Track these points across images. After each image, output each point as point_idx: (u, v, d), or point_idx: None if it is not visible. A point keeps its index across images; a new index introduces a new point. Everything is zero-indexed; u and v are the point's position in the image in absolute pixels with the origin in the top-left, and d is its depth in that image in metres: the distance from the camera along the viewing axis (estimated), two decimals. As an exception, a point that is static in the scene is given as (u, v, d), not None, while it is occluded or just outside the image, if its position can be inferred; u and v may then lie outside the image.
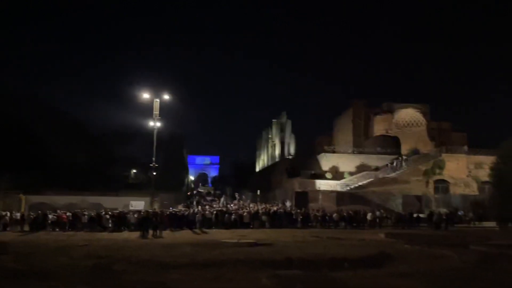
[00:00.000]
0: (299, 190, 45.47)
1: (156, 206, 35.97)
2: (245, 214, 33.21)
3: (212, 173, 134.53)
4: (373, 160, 53.85)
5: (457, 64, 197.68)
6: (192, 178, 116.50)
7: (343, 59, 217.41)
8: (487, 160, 42.23)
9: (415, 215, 35.64)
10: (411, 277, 12.04)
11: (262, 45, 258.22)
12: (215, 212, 33.82)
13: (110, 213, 31.13)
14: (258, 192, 61.07)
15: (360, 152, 58.49)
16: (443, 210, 38.61)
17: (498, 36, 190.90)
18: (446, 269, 13.53)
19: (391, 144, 59.99)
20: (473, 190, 47.59)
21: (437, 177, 48.81)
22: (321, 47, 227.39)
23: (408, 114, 72.14)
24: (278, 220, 33.17)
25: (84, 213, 31.01)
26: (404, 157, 50.10)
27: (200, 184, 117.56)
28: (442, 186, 48.66)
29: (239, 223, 31.92)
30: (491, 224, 32.64)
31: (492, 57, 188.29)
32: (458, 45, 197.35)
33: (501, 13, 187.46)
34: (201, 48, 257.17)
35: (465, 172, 49.47)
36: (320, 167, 54.12)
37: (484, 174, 43.59)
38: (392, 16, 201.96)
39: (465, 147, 54.06)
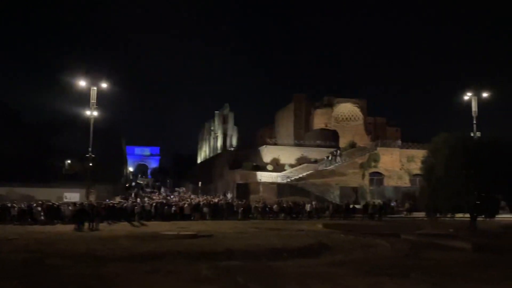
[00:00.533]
0: (240, 182, 45.70)
1: (92, 198, 34.68)
2: (185, 206, 32.91)
3: (152, 164, 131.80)
4: (313, 153, 55.13)
5: (394, 62, 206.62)
6: (131, 169, 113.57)
7: (285, 53, 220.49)
8: (419, 153, 44.54)
9: (351, 206, 37.04)
10: (346, 266, 12.48)
11: (206, 37, 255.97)
12: (154, 204, 33.21)
13: (42, 204, 29.59)
14: (200, 184, 60.71)
15: (300, 145, 59.71)
16: (377, 201, 40.37)
17: (434, 36, 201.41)
18: (379, 257, 14.17)
19: (330, 138, 61.69)
20: (405, 182, 50.09)
21: (373, 169, 50.84)
22: (265, 40, 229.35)
23: (347, 109, 74.59)
24: (219, 211, 33.21)
25: (14, 205, 29.27)
26: (338, 151, 51.57)
27: (140, 175, 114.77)
28: (377, 178, 50.82)
29: (179, 215, 31.57)
30: (421, 214, 34.53)
31: (427, 56, 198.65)
32: (395, 42, 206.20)
33: (438, 14, 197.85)
34: (144, 36, 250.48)
35: (398, 165, 51.92)
36: (261, 159, 54.64)
37: (415, 167, 45.89)
38: (332, 13, 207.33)
39: (399, 141, 56.81)
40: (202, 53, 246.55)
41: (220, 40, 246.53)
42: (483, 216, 26.20)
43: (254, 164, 51.78)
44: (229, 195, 43.80)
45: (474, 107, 38.51)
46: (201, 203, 34.74)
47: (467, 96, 39.38)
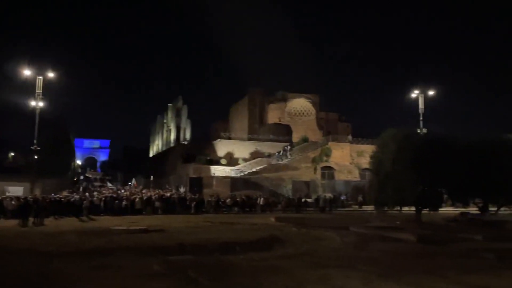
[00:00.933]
0: (194, 175, 45.36)
1: (37, 192, 33.25)
2: (137, 200, 32.23)
3: (102, 157, 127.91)
4: (267, 147, 55.58)
5: (346, 58, 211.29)
6: (79, 162, 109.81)
7: (240, 46, 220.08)
8: (368, 148, 45.86)
9: (303, 200, 37.65)
10: (297, 258, 12.68)
11: (159, 28, 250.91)
12: (103, 198, 32.31)
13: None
14: (152, 177, 59.68)
15: (254, 139, 60.02)
16: (328, 195, 41.29)
17: (386, 33, 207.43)
18: (329, 250, 14.50)
19: (283, 132, 62.39)
20: (355, 176, 51.49)
21: (324, 164, 51.89)
22: (221, 32, 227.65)
23: (300, 104, 75.61)
24: (171, 206, 32.77)
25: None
26: (288, 147, 52.17)
27: (88, 169, 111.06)
28: (328, 172, 51.93)
29: (130, 209, 30.91)
30: (370, 208, 35.65)
31: (378, 53, 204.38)
32: (347, 39, 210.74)
33: (390, 9, 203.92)
34: (94, 25, 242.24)
35: (349, 159, 53.29)
36: (215, 153, 54.46)
37: (365, 161, 47.17)
38: (286, 7, 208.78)
39: (350, 137, 58.30)
40: (156, 44, 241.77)
41: (176, 32, 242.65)
42: (427, 209, 27.40)
43: (208, 158, 51.55)
44: (182, 189, 43.32)
45: (421, 104, 40.12)
46: (153, 197, 34.14)
47: (414, 93, 40.96)
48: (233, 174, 46.30)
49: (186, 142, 74.26)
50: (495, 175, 26.24)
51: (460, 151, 26.49)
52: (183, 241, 15.82)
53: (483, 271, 10.29)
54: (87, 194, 36.18)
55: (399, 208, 28.26)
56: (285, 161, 50.09)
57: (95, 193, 37.73)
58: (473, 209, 32.57)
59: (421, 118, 39.72)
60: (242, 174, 46.75)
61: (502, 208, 32.27)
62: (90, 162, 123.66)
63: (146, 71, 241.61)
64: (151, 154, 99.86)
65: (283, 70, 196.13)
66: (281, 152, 50.92)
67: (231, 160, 52.26)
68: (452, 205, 33.50)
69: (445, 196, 30.19)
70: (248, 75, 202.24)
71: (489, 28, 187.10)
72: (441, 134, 27.93)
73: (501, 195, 29.81)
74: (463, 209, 32.81)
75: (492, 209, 31.78)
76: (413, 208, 27.54)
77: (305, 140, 58.75)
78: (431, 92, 41.09)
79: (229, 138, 59.51)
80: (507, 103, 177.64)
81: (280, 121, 70.66)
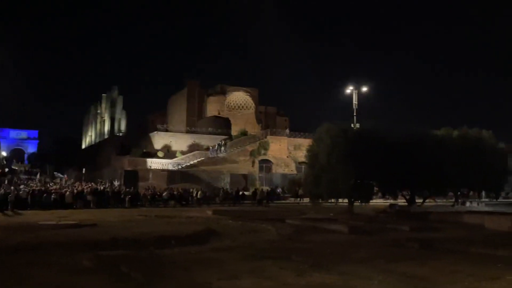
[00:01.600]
0: (129, 168, 44.12)
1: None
2: (67, 193, 30.79)
3: (30, 149, 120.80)
4: (205, 140, 55.24)
5: (285, 52, 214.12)
6: (4, 154, 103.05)
7: (179, 36, 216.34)
8: (305, 142, 47.00)
9: (241, 193, 37.84)
10: (232, 250, 12.69)
11: (91, 14, 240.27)
12: (31, 191, 30.57)
13: None
14: (84, 170, 57.26)
15: (193, 132, 59.42)
16: (265, 188, 41.82)
17: (326, 28, 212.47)
18: (264, 242, 14.65)
19: (222, 125, 62.30)
20: (291, 169, 52.55)
21: (262, 157, 52.50)
22: (158, 22, 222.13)
23: (239, 97, 75.84)
24: (104, 199, 31.67)
25: None
26: (223, 142, 52.03)
27: (15, 161, 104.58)
28: (266, 165, 52.58)
29: (60, 203, 29.47)
30: (305, 200, 36.54)
31: (316, 50, 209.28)
32: (284, 33, 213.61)
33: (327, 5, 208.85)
34: (20, 7, 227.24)
35: (286, 153, 54.29)
36: (152, 146, 53.29)
37: (301, 155, 48.24)
38: (225, 2, 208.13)
39: (287, 131, 59.35)
40: (91, 31, 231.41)
41: (111, 20, 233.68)
42: (359, 201, 28.54)
43: (144, 150, 50.37)
44: (116, 183, 41.98)
45: (355, 99, 41.60)
46: (85, 190, 32.80)
47: (349, 89, 42.39)
48: (170, 167, 45.59)
49: (121, 134, 72.13)
50: (421, 169, 27.82)
51: (390, 145, 27.80)
52: (116, 236, 15.28)
53: (409, 260, 10.82)
54: (12, 187, 34.05)
55: (334, 200, 29.25)
56: (223, 154, 50.05)
57: (21, 186, 35.59)
58: (401, 201, 34.39)
59: (354, 114, 41.20)
60: (179, 167, 46.15)
61: (427, 200, 34.39)
62: (17, 154, 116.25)
63: (79, 59, 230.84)
64: (83, 146, 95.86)
65: (223, 63, 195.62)
66: (216, 146, 50.71)
67: (169, 153, 51.41)
68: (382, 197, 35.13)
69: (376, 188, 31.63)
70: (187, 67, 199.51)
71: (425, 26, 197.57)
72: (373, 129, 29.07)
73: (427, 187, 31.72)
74: (392, 201, 34.57)
75: (418, 200, 33.75)
76: (346, 200, 28.58)
77: (243, 133, 59.07)
78: (364, 88, 42.72)
79: (167, 131, 58.48)
80: (435, 100, 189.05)
81: (219, 114, 70.46)
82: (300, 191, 41.31)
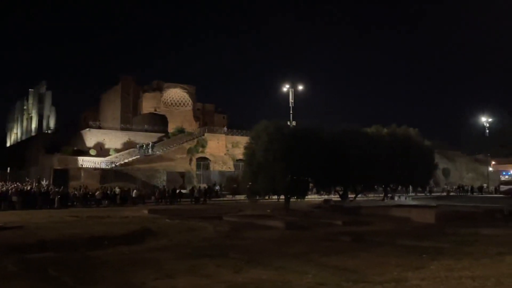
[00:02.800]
0: (58, 167, 42.02)
1: None
2: (-11, 194, 28.76)
3: None
4: (141, 137, 53.89)
5: (223, 50, 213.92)
6: None
7: (113, 31, 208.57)
8: (243, 140, 47.21)
9: (178, 191, 37.31)
10: (169, 250, 12.49)
11: (22, 6, 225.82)
12: None
13: None
14: (8, 169, 53.71)
15: (127, 129, 57.75)
16: (203, 186, 41.55)
17: (264, 28, 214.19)
18: (202, 240, 14.55)
19: (159, 122, 61.06)
20: (229, 167, 52.61)
21: (200, 155, 52.11)
22: (90, 14, 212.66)
23: (176, 94, 74.66)
24: (32, 200, 29.91)
25: None
26: (151, 143, 50.54)
27: None
28: (203, 163, 52.25)
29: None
30: (243, 197, 36.76)
31: (256, 46, 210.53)
32: (226, 31, 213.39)
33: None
34: None
35: (224, 150, 54.26)
36: (84, 144, 51.13)
37: (239, 152, 48.46)
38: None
39: (225, 128, 59.30)
40: (17, 23, 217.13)
41: (40, 12, 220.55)
42: (295, 197, 29.15)
43: (76, 148, 48.21)
44: (44, 182, 39.79)
45: (291, 98, 42.39)
46: (10, 191, 30.79)
47: (286, 88, 43.13)
48: (103, 166, 43.96)
49: (50, 131, 68.49)
50: (353, 165, 28.95)
51: (325, 142, 28.66)
52: (43, 238, 14.53)
53: (341, 253, 11.22)
54: None
55: (273, 197, 29.63)
56: (160, 152, 49.09)
57: None
58: (335, 197, 35.60)
59: (291, 112, 41.98)
60: (113, 165, 44.62)
61: (359, 195, 35.87)
62: None
63: (3, 52, 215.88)
64: (8, 144, 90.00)
65: (159, 59, 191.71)
66: (144, 146, 49.15)
67: (102, 151, 49.55)
68: (317, 193, 36.14)
69: (311, 184, 32.48)
70: (122, 62, 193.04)
71: (355, 26, 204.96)
72: (308, 126, 29.77)
73: (359, 183, 33.09)
74: (326, 197, 35.68)
75: (351, 196, 35.09)
76: (282, 197, 29.08)
77: (180, 130, 58.24)
78: (300, 87, 43.67)
79: (100, 128, 56.35)
80: (367, 99, 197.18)
81: (155, 111, 68.99)
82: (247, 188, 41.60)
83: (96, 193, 33.04)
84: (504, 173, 58.16)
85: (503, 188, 48.11)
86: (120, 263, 10.30)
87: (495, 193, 53.37)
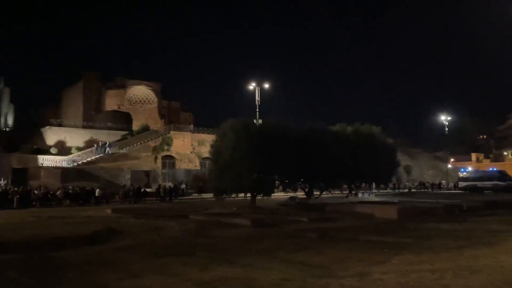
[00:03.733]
0: (17, 166, 40.61)
1: None
2: None
3: None
4: (104, 136, 52.78)
5: (189, 46, 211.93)
6: None
7: (75, 26, 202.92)
8: (209, 138, 46.98)
9: (142, 190, 36.77)
10: (134, 249, 12.31)
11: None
12: None
13: None
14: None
15: (90, 127, 56.45)
16: (169, 184, 41.12)
17: (229, 22, 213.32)
18: (167, 239, 14.42)
19: (123, 120, 60.02)
20: (195, 165, 52.30)
21: (165, 153, 51.55)
22: (50, 8, 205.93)
23: (141, 91, 73.49)
24: (-12, 201, 28.80)
25: None
26: (108, 143, 49.21)
27: None
28: (169, 161, 51.72)
29: None
30: (209, 195, 36.62)
31: (221, 43, 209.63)
32: (188, 26, 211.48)
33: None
34: None
35: (190, 148, 53.88)
36: (44, 142, 49.61)
37: (205, 150, 48.29)
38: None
39: (191, 126, 58.89)
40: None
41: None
42: (261, 195, 29.28)
43: (36, 147, 46.71)
44: (2, 182, 38.39)
45: (257, 96, 42.57)
46: (-35, 191, 29.57)
47: (252, 86, 43.26)
48: (65, 165, 42.78)
49: (8, 129, 65.97)
50: (318, 163, 29.33)
51: (291, 140, 28.90)
52: (3, 239, 14.04)
53: (307, 249, 11.37)
54: None
55: (240, 195, 29.62)
56: (124, 150, 48.21)
57: None
58: (301, 194, 35.97)
59: (257, 109, 42.18)
60: (75, 164, 43.49)
61: (324, 192, 36.37)
62: None
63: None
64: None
65: (123, 55, 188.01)
66: (100, 145, 48.01)
67: (63, 150, 48.21)
68: (283, 190, 36.41)
69: (277, 182, 32.71)
70: (84, 59, 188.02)
71: (318, 23, 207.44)
72: (275, 124, 29.90)
73: (324, 180, 33.53)
74: (292, 194, 36.02)
75: (317, 193, 35.56)
76: (249, 195, 29.14)
77: (145, 128, 57.42)
78: (266, 85, 43.91)
79: (61, 126, 54.78)
80: (331, 97, 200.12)
81: (119, 108, 67.69)
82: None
83: (57, 193, 32.12)
84: (462, 170, 60.42)
85: (462, 184, 49.90)
86: (83, 264, 10.08)
87: (454, 189, 55.32)
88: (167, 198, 35.98)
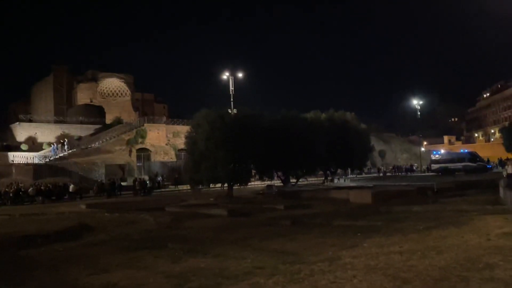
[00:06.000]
0: (-14, 164, 39.49)
1: None
2: None
3: None
4: (76, 130, 51.84)
5: (160, 38, 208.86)
6: None
7: (44, 19, 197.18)
8: (183, 129, 46.55)
9: (117, 184, 36.26)
10: (107, 244, 12.15)
11: None
12: None
13: None
14: None
15: (62, 122, 55.28)
16: (145, 177, 40.68)
17: (203, 14, 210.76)
18: (141, 232, 14.26)
19: (96, 114, 58.97)
20: (171, 157, 51.84)
21: (140, 146, 50.89)
22: (19, 3, 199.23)
23: (113, 84, 72.23)
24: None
25: None
26: (65, 140, 47.72)
27: None
28: (144, 154, 51.09)
29: None
30: (186, 187, 36.40)
31: (194, 34, 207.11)
32: (159, 18, 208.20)
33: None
34: None
35: (165, 140, 53.32)
36: (14, 138, 48.37)
37: (180, 142, 47.82)
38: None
39: (165, 118, 58.25)
40: None
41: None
42: (238, 184, 29.29)
43: (5, 143, 45.52)
44: (-30, 181, 37.31)
45: (231, 85, 42.28)
46: None
47: (225, 75, 42.93)
48: (36, 161, 41.80)
49: (-24, 126, 64.02)
50: (294, 151, 29.50)
51: (266, 129, 28.95)
52: (-30, 239, 13.63)
53: (281, 237, 11.42)
54: None
55: (216, 185, 29.52)
56: (97, 144, 47.37)
57: None
58: (277, 182, 36.15)
59: (231, 99, 41.92)
60: (47, 160, 42.54)
61: (301, 179, 36.65)
62: None
63: None
64: None
65: (94, 48, 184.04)
66: (55, 146, 46.20)
67: (34, 146, 47.09)
68: (260, 179, 36.50)
69: (254, 171, 32.76)
70: (54, 52, 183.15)
71: (292, 12, 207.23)
72: (249, 113, 29.84)
73: (300, 168, 33.77)
74: (268, 182, 36.16)
75: (293, 180, 35.79)
76: (226, 185, 29.10)
77: (119, 121, 56.53)
78: (240, 74, 43.65)
79: (31, 121, 53.44)
80: (305, 85, 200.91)
81: (91, 102, 66.46)
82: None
83: (29, 190, 31.40)
84: (434, 152, 61.56)
85: (434, 166, 50.92)
86: (53, 261, 9.90)
87: (427, 172, 56.44)
88: (143, 192, 35.54)
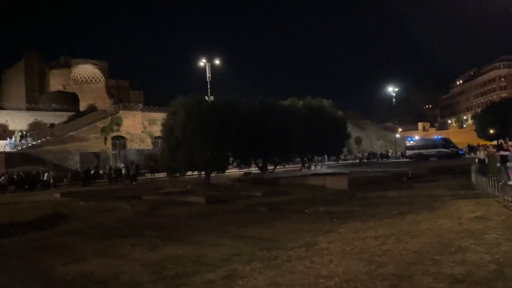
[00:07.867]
0: (-45, 153, 38.27)
1: None
2: None
3: None
4: (49, 117, 50.64)
5: (133, 23, 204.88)
6: None
7: (15, 3, 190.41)
8: (160, 116, 46.00)
9: (92, 172, 35.68)
10: (82, 233, 11.99)
11: None
12: None
13: None
14: None
15: (34, 109, 53.95)
16: (121, 165, 40.15)
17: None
18: (117, 220, 14.13)
19: (69, 101, 57.75)
20: (147, 145, 51.27)
21: (115, 133, 50.14)
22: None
23: (87, 70, 70.75)
24: None
25: None
26: (26, 132, 45.95)
27: None
28: (120, 142, 50.37)
29: None
30: (162, 175, 36.10)
31: (168, 21, 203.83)
32: (135, 5, 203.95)
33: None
34: None
35: (141, 128, 52.64)
36: (-16, 126, 46.96)
37: (157, 129, 47.28)
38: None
39: (141, 105, 57.43)
40: None
41: None
42: (216, 171, 29.20)
43: (-26, 131, 44.13)
44: None
45: (208, 72, 41.96)
46: None
47: (202, 62, 42.53)
48: (7, 149, 40.74)
49: None
50: (271, 138, 29.51)
51: (243, 116, 28.82)
52: None
53: (258, 223, 11.47)
54: None
55: (194, 173, 29.36)
56: (72, 132, 46.43)
57: None
58: (255, 169, 36.22)
59: (208, 86, 41.64)
60: (19, 148, 41.52)
61: (278, 166, 36.79)
62: None
63: None
64: None
65: (67, 33, 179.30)
66: (14, 138, 44.11)
67: (5, 133, 45.83)
68: (237, 166, 36.52)
69: (231, 158, 32.68)
70: (25, 38, 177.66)
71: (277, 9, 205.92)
72: (227, 100, 29.59)
73: (277, 155, 33.86)
74: (246, 170, 36.21)
75: (270, 167, 35.89)
76: (203, 172, 28.96)
77: (93, 108, 55.43)
78: (217, 61, 43.31)
79: (2, 108, 51.96)
80: (281, 73, 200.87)
81: (64, 88, 64.97)
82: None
83: (1, 179, 30.62)
84: (409, 139, 62.72)
85: (409, 152, 51.89)
86: (27, 251, 9.73)
87: (402, 158, 57.48)
88: (119, 180, 35.08)
